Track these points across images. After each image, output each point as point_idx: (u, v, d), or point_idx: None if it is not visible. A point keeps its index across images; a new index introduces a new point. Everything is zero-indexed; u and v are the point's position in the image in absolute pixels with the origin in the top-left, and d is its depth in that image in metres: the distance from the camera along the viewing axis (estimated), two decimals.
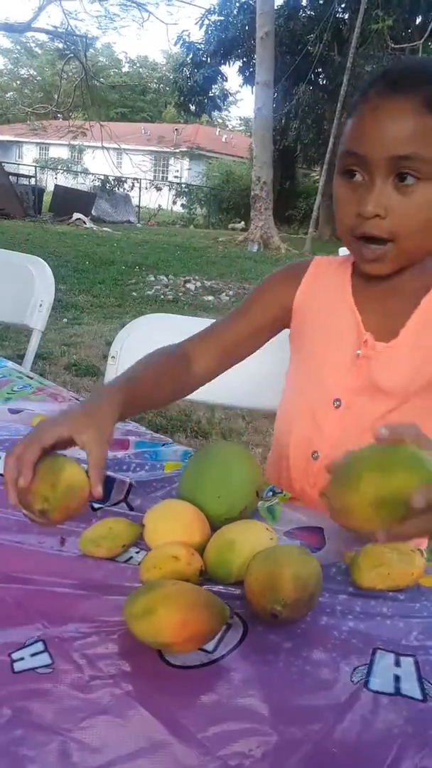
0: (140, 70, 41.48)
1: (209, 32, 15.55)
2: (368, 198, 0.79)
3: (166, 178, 26.38)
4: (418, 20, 13.47)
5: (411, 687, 0.58)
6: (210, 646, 0.60)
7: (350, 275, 0.95)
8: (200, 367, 0.96)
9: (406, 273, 0.88)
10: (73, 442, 0.68)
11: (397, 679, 0.59)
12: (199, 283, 7.62)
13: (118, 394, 0.77)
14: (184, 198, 20.43)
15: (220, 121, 38.06)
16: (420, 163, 0.77)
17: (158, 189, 20.60)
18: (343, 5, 14.15)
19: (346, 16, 14.45)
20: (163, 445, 1.03)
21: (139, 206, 17.93)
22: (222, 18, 15.29)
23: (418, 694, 0.57)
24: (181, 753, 0.49)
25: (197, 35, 19.86)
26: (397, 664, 0.61)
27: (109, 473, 0.88)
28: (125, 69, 41.57)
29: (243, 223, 16.64)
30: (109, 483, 0.86)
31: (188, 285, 7.46)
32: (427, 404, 0.90)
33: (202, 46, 15.94)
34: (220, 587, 0.69)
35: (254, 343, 1.01)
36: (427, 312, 0.88)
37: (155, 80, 39.60)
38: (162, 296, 6.79)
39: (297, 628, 0.64)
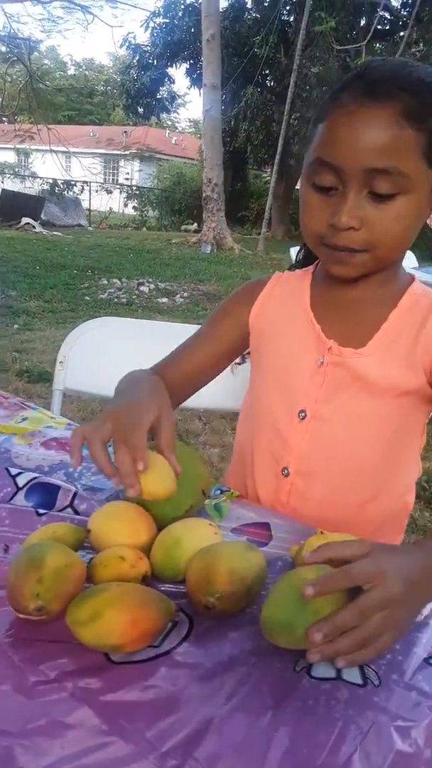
0: (86, 72, 41.09)
1: (155, 35, 15.52)
2: (342, 209, 0.76)
3: (117, 180, 26.20)
4: (362, 22, 13.74)
5: (352, 673, 0.60)
6: (156, 642, 0.61)
7: (309, 287, 0.95)
8: (173, 387, 0.93)
9: (370, 284, 0.87)
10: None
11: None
12: (152, 286, 7.60)
13: (158, 379, 0.83)
14: (136, 200, 20.31)
15: (170, 123, 38.04)
16: (397, 177, 0.74)
17: (109, 192, 20.43)
18: (288, 7, 14.32)
19: (291, 18, 14.62)
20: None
21: (89, 209, 17.75)
22: (167, 20, 15.28)
23: (358, 680, 0.59)
24: (125, 750, 0.49)
25: (143, 38, 19.85)
26: None
27: (54, 480, 0.88)
28: (71, 72, 41.14)
29: (196, 224, 16.65)
30: (54, 489, 0.85)
31: (142, 288, 7.43)
32: (401, 412, 0.89)
33: (149, 48, 15.91)
34: (168, 585, 0.70)
35: (219, 368, 1.02)
36: (397, 326, 0.87)
37: (102, 83, 39.31)
38: (116, 300, 6.74)
39: (241, 621, 0.65)
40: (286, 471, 0.94)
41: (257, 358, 0.99)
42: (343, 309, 0.90)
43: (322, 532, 0.78)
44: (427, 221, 0.83)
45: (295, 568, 0.68)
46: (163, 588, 0.69)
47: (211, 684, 0.56)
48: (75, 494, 0.85)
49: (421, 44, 12.58)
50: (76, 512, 0.82)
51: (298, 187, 0.87)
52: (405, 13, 13.26)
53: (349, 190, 0.76)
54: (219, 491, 0.91)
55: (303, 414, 0.91)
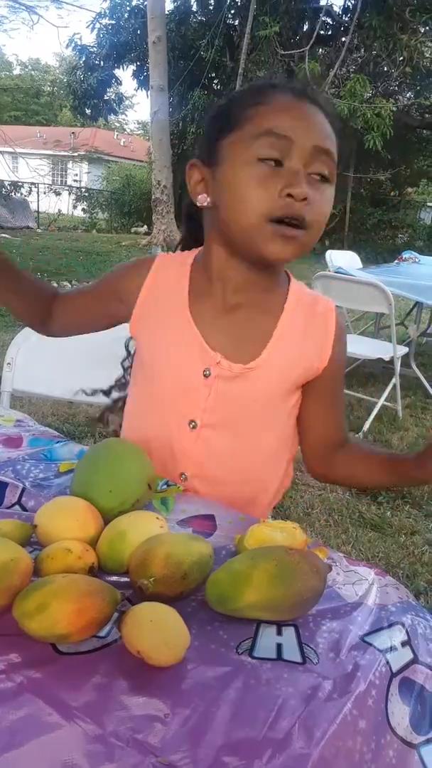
0: (32, 72, 40.45)
1: (101, 36, 15.39)
2: (300, 178, 0.78)
3: (65, 182, 25.87)
4: (305, 27, 13.94)
5: (292, 653, 0.62)
6: (102, 632, 0.62)
7: (187, 284, 0.93)
8: (55, 322, 1.03)
9: (257, 288, 0.89)
10: None
11: (279, 647, 0.63)
12: None
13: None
14: (85, 202, 20.10)
15: (118, 125, 37.78)
16: (332, 163, 0.81)
17: (57, 194, 20.14)
18: (232, 11, 14.42)
19: (236, 22, 14.72)
20: (57, 443, 1.03)
21: (38, 211, 17.48)
22: (113, 22, 15.18)
23: (298, 658, 0.62)
24: (71, 733, 0.51)
25: (89, 38, 19.67)
26: (279, 633, 0.65)
27: (2, 477, 0.88)
28: (16, 71, 40.44)
29: (146, 226, 16.60)
30: (1, 487, 0.86)
31: None
32: (279, 419, 0.95)
33: (95, 49, 15.76)
34: (114, 577, 0.71)
35: (95, 326, 1.04)
36: (288, 332, 0.90)
37: (49, 83, 38.75)
38: None
39: (185, 608, 0.67)
40: (183, 476, 0.98)
41: (140, 358, 0.99)
42: (226, 316, 0.90)
43: (263, 520, 0.80)
44: None
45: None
46: (109, 579, 0.70)
47: (157, 670, 0.58)
48: (23, 491, 0.86)
49: (362, 50, 12.86)
50: (24, 509, 0.83)
51: None
52: (347, 19, 13.53)
53: (299, 163, 0.79)
54: (165, 485, 0.93)
55: (193, 424, 0.93)
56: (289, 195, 0.78)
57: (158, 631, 0.58)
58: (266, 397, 0.92)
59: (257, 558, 0.66)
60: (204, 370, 0.90)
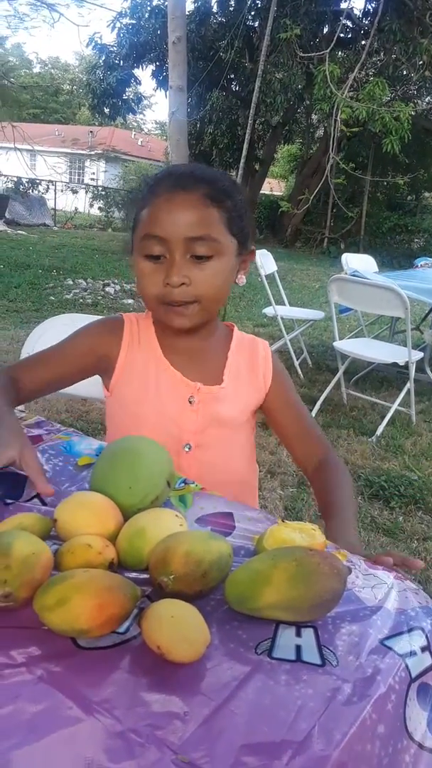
0: (52, 71, 40.69)
1: (121, 35, 15.42)
2: (172, 271, 0.97)
3: (83, 180, 25.97)
4: (325, 30, 13.91)
5: (311, 654, 0.62)
6: (122, 628, 0.62)
7: (155, 337, 1.11)
8: (22, 388, 1.06)
9: (202, 334, 1.09)
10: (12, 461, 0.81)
11: (298, 648, 0.63)
12: (118, 287, 7.57)
13: (9, 414, 0.94)
14: (101, 201, 20.17)
15: (135, 124, 37.90)
16: (209, 242, 0.97)
17: (74, 192, 20.22)
18: (252, 13, 14.41)
19: (256, 23, 14.71)
20: (75, 436, 1.03)
21: (55, 209, 17.56)
22: (134, 21, 15.21)
23: (317, 660, 0.61)
24: (91, 728, 0.51)
25: (109, 38, 19.74)
26: (298, 634, 0.65)
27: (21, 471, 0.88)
28: (36, 70, 40.68)
29: None
30: (21, 480, 0.86)
31: (107, 288, 7.39)
32: (246, 431, 1.17)
33: (115, 49, 15.80)
34: (133, 574, 0.71)
35: (69, 381, 1.13)
36: (236, 362, 1.13)
37: (68, 82, 38.95)
38: (81, 300, 6.70)
39: (204, 607, 0.67)
40: None
41: (122, 395, 1.11)
42: (190, 356, 1.10)
43: (283, 521, 0.80)
44: (236, 280, 1.08)
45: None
46: (129, 576, 0.70)
47: (176, 668, 0.58)
48: None
49: (382, 53, 12.82)
50: (43, 503, 0.83)
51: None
52: (367, 23, 13.49)
53: (175, 255, 0.97)
54: (183, 483, 0.93)
55: (188, 446, 1.09)
56: (168, 284, 0.97)
57: (179, 626, 0.58)
58: (238, 412, 1.12)
59: (277, 558, 0.66)
60: (189, 398, 1.08)
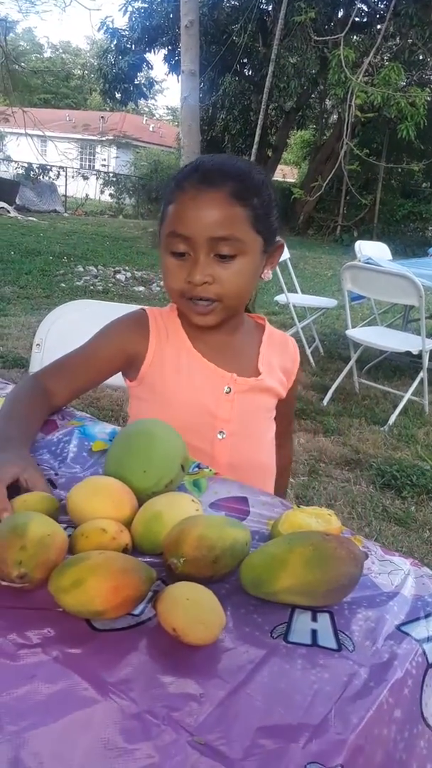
0: (63, 55, 40.48)
1: (133, 19, 15.30)
2: (196, 269, 0.98)
3: (93, 166, 25.90)
4: (340, 14, 13.73)
5: (327, 639, 0.62)
6: (137, 610, 0.62)
7: (182, 330, 1.11)
8: (57, 400, 1.06)
9: (228, 329, 1.11)
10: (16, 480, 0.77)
11: (314, 633, 0.63)
12: (129, 274, 7.56)
13: (21, 436, 0.89)
14: (112, 187, 20.11)
15: (147, 109, 37.67)
16: (233, 242, 0.97)
17: (85, 178, 20.18)
18: None
19: (270, 7, 14.54)
20: (90, 420, 1.03)
21: (65, 195, 17.54)
22: (146, 5, 15.08)
23: (333, 645, 0.61)
24: (107, 709, 0.50)
25: (121, 22, 19.50)
26: (314, 619, 0.64)
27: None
28: (47, 54, 40.50)
29: None
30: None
31: (118, 276, 7.38)
32: (272, 422, 1.20)
33: (127, 32, 15.69)
34: (148, 558, 0.71)
35: (100, 381, 1.13)
36: (268, 356, 1.16)
37: (79, 66, 38.74)
38: (91, 287, 6.69)
39: (219, 590, 0.66)
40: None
41: (152, 382, 1.11)
42: (220, 348, 1.12)
43: (298, 506, 0.79)
44: (262, 275, 1.08)
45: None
46: (143, 560, 0.70)
47: (191, 651, 0.58)
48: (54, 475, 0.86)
49: (398, 38, 12.64)
50: (54, 486, 0.83)
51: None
52: (382, 7, 13.29)
53: (199, 254, 0.98)
54: (197, 467, 0.93)
55: (222, 434, 1.10)
56: (190, 282, 0.99)
57: (194, 609, 0.58)
58: (267, 403, 1.16)
59: (293, 542, 0.66)
60: (225, 388, 1.09)
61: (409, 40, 12.17)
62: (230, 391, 1.10)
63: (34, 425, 0.96)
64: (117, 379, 1.18)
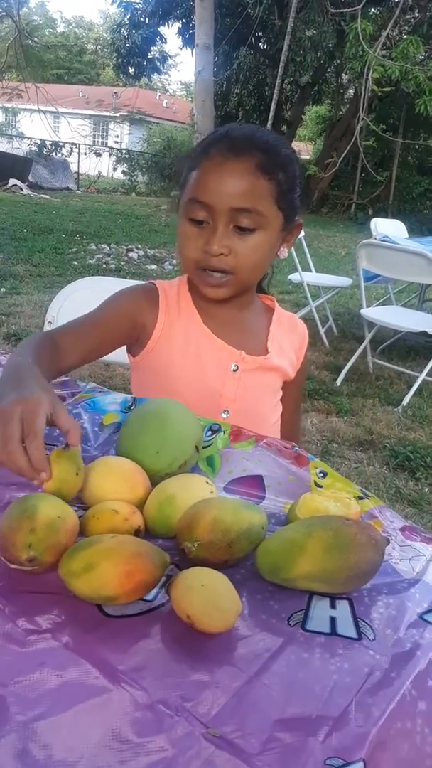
0: (76, 30, 39.99)
1: None
2: (213, 239, 0.96)
3: (106, 143, 25.66)
4: None
5: (347, 627, 0.60)
6: (150, 596, 0.60)
7: (192, 305, 1.09)
8: (66, 359, 0.99)
9: (240, 304, 1.09)
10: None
11: (333, 620, 0.60)
12: (141, 252, 7.50)
13: (38, 370, 0.80)
14: (125, 164, 19.93)
15: (160, 85, 37.21)
16: (254, 215, 0.95)
17: (98, 155, 20.01)
18: None
19: None
20: (100, 392, 1.01)
21: (78, 172, 17.41)
22: None
23: (353, 634, 0.59)
24: (119, 698, 0.49)
25: None
26: (333, 606, 0.62)
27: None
28: (60, 29, 40.01)
29: None
30: None
31: (131, 254, 7.33)
32: (278, 402, 1.18)
33: (140, 6, 15.42)
34: (160, 541, 0.69)
35: (108, 349, 1.08)
36: (278, 335, 1.15)
37: (92, 41, 38.28)
38: (104, 265, 6.65)
39: (234, 576, 0.64)
40: None
41: (158, 359, 1.08)
42: (230, 325, 1.10)
43: (318, 485, 0.77)
44: (278, 253, 1.05)
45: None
46: (156, 543, 0.68)
47: (205, 638, 0.56)
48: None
49: (416, 11, 12.32)
50: None
51: None
52: None
53: (219, 224, 0.96)
54: (209, 431, 0.89)
55: (226, 413, 1.08)
56: (206, 251, 0.97)
57: (209, 595, 0.56)
58: (274, 384, 1.15)
59: (312, 527, 0.63)
60: (232, 366, 1.07)
61: (428, 13, 11.85)
62: (237, 369, 1.08)
63: (48, 365, 0.90)
64: (126, 357, 1.15)
